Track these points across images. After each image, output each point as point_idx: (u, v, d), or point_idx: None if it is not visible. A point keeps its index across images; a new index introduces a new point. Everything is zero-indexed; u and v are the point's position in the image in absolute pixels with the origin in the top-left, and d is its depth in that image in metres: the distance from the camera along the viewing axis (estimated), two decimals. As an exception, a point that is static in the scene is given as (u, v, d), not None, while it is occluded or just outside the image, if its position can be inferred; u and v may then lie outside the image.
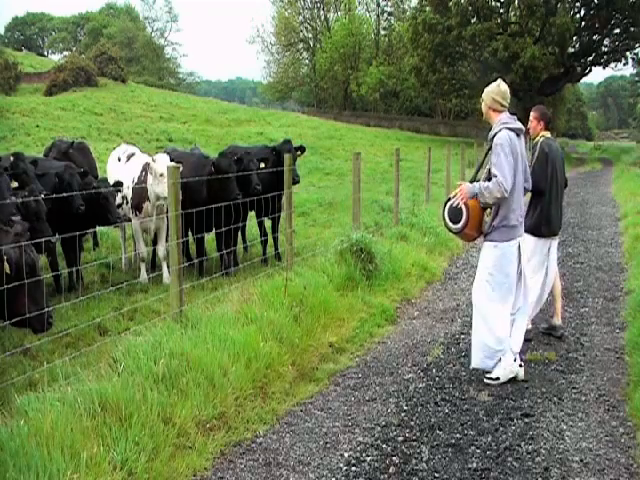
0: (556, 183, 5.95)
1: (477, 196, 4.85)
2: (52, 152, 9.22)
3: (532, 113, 6.06)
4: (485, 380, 5.05)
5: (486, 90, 5.02)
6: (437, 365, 5.48)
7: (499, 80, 5.09)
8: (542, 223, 5.93)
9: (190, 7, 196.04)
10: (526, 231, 5.64)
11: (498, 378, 5.01)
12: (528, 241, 5.80)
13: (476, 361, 5.09)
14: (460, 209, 4.93)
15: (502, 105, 4.95)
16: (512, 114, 5.01)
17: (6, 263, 4.42)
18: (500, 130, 4.86)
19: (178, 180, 5.09)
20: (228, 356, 4.63)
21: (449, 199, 5.12)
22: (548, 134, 6.05)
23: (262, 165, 8.50)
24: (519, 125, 4.96)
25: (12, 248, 4.51)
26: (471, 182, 5.21)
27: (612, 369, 5.35)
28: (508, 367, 5.00)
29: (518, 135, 4.94)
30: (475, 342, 5.07)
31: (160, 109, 32.42)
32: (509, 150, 4.78)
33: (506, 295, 4.96)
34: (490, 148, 4.99)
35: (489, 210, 4.96)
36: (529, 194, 5.71)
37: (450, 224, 5.07)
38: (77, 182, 7.00)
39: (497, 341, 4.94)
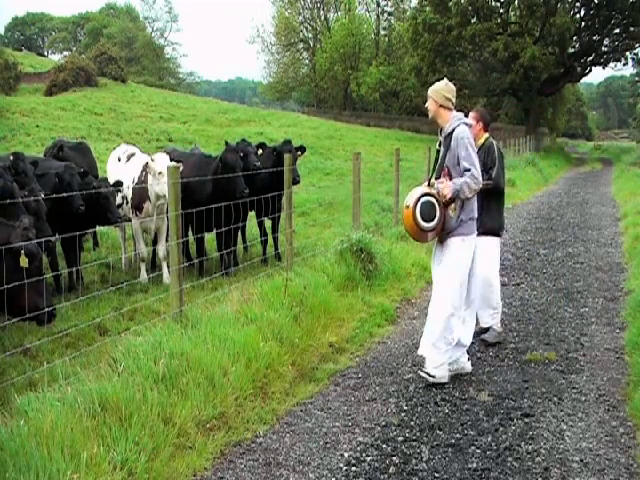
0: None
1: (458, 193, 4.83)
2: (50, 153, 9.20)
3: (471, 114, 5.92)
4: (419, 372, 5.07)
5: (435, 88, 5.02)
6: (437, 365, 5.47)
7: (445, 80, 5.16)
8: (502, 224, 6.10)
9: (190, 7, 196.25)
10: (489, 234, 5.76)
11: (434, 376, 4.99)
12: (494, 244, 5.92)
13: (434, 358, 5.03)
14: (435, 209, 4.87)
15: (452, 103, 5.00)
16: (459, 111, 5.08)
17: (24, 256, 4.49)
18: (458, 125, 4.91)
19: (178, 180, 5.09)
20: (228, 356, 4.63)
21: (421, 196, 4.91)
22: (487, 135, 5.98)
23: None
24: (470, 121, 5.13)
25: (24, 241, 4.58)
26: (436, 179, 5.14)
27: (612, 369, 5.35)
28: (446, 362, 5.02)
29: None
30: (429, 339, 5.04)
31: (160, 109, 32.42)
32: (471, 143, 4.89)
33: (462, 288, 5.03)
34: (448, 145, 4.92)
35: (453, 205, 4.93)
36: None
37: (422, 223, 4.90)
38: (77, 182, 7.01)
39: (452, 334, 4.98)
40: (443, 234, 5.00)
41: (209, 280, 7.20)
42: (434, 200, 4.87)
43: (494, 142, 5.97)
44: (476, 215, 5.04)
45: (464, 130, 4.89)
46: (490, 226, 5.77)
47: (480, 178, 4.83)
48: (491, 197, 5.77)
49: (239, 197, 7.57)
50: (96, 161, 10.31)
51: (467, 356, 5.27)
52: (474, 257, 5.13)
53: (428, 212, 4.87)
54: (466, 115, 5.21)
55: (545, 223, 13.22)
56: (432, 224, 4.88)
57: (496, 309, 6.00)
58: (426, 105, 5.12)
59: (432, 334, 5.03)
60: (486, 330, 6.03)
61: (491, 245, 5.87)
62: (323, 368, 5.34)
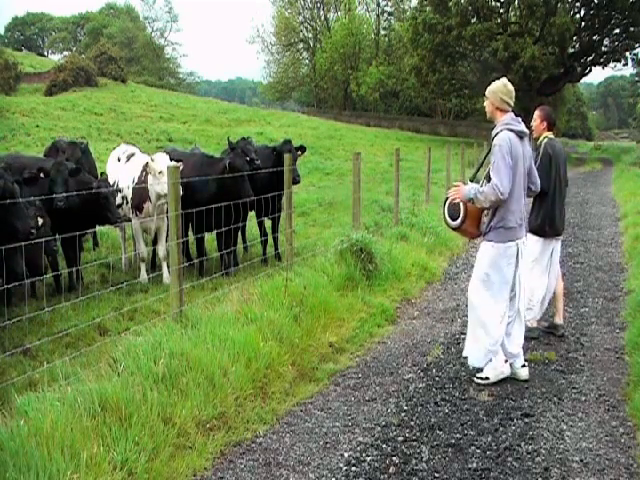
0: (559, 184, 6.00)
1: (472, 200, 4.82)
2: (61, 154, 9.10)
3: (537, 112, 6.09)
4: (475, 380, 5.06)
5: (492, 89, 4.94)
6: (437, 365, 5.48)
7: (505, 79, 5.03)
8: (546, 224, 5.97)
9: (190, 7, 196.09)
10: (531, 232, 5.69)
11: (488, 378, 5.01)
12: (533, 242, 5.85)
13: (472, 360, 5.09)
14: (458, 205, 4.99)
15: (509, 105, 4.90)
16: (517, 115, 4.97)
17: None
18: (501, 131, 4.81)
19: (178, 180, 5.09)
20: (228, 356, 4.63)
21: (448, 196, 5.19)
22: (551, 135, 6.06)
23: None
24: (522, 127, 4.90)
25: None
26: (471, 180, 5.23)
27: (612, 369, 5.35)
28: (499, 368, 5.01)
29: (521, 138, 4.86)
30: (470, 341, 5.08)
31: (160, 109, 32.42)
32: (507, 152, 4.71)
33: (501, 295, 4.92)
34: (490, 150, 4.96)
35: (486, 211, 4.95)
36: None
37: (449, 220, 5.14)
38: (63, 178, 6.93)
39: (491, 341, 4.93)
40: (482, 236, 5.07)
41: (209, 280, 7.20)
42: (458, 200, 5.00)
43: (548, 142, 5.95)
44: (512, 225, 4.83)
45: (502, 137, 4.75)
46: (533, 225, 5.77)
47: (503, 190, 4.63)
48: (535, 197, 5.75)
49: (244, 198, 7.60)
50: (96, 161, 10.30)
51: (522, 361, 5.12)
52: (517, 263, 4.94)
53: (453, 210, 5.07)
54: (517, 115, 5.00)
55: (545, 223, 13.17)
56: (457, 222, 5.05)
57: (531, 309, 5.99)
58: (484, 104, 5.07)
59: (473, 339, 5.05)
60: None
61: (532, 244, 5.77)
62: (323, 368, 5.34)
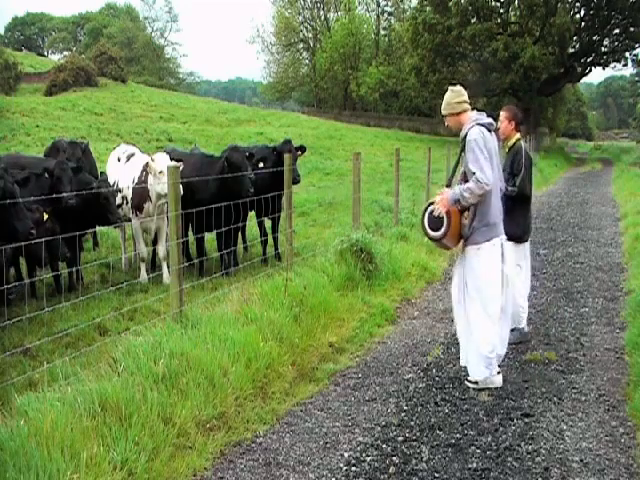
0: (532, 187, 5.96)
1: (459, 201, 4.75)
2: (62, 154, 9.08)
3: (503, 113, 5.88)
4: (466, 381, 5.03)
5: (446, 103, 4.91)
6: (437, 365, 5.48)
7: (449, 88, 5.03)
8: (526, 230, 5.94)
9: (190, 7, 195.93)
10: (512, 239, 5.52)
11: (477, 382, 4.95)
12: (515, 249, 5.73)
13: (476, 372, 4.98)
14: (441, 217, 4.84)
15: (466, 102, 4.89)
16: (480, 111, 4.95)
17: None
18: (472, 127, 4.77)
19: (178, 180, 5.09)
20: (228, 356, 4.63)
21: (428, 206, 5.01)
22: (519, 136, 5.90)
23: (261, 165, 8.55)
24: (490, 120, 4.88)
25: None
26: (447, 186, 5.13)
27: (612, 369, 5.35)
28: (489, 377, 4.94)
29: (490, 130, 4.84)
30: (472, 353, 4.97)
31: (160, 109, 32.45)
32: (483, 144, 4.69)
33: (494, 298, 4.85)
34: (463, 148, 4.85)
35: (467, 213, 4.85)
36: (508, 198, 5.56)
37: (430, 232, 4.95)
38: (68, 177, 6.92)
39: (489, 347, 4.87)
40: (463, 242, 4.95)
41: (209, 280, 7.19)
42: (443, 211, 4.85)
43: (523, 145, 5.83)
44: (494, 220, 4.81)
45: (474, 132, 4.72)
46: (513, 232, 5.56)
47: (487, 181, 4.58)
48: (515, 203, 5.62)
49: (244, 196, 7.58)
50: (96, 161, 10.30)
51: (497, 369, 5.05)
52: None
53: (434, 221, 4.89)
54: (489, 116, 4.98)
55: (545, 223, 13.21)
56: (439, 233, 4.87)
57: (523, 317, 5.96)
58: (446, 125, 5.02)
59: (472, 345, 4.95)
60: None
61: (513, 252, 5.66)
62: (323, 368, 5.34)
